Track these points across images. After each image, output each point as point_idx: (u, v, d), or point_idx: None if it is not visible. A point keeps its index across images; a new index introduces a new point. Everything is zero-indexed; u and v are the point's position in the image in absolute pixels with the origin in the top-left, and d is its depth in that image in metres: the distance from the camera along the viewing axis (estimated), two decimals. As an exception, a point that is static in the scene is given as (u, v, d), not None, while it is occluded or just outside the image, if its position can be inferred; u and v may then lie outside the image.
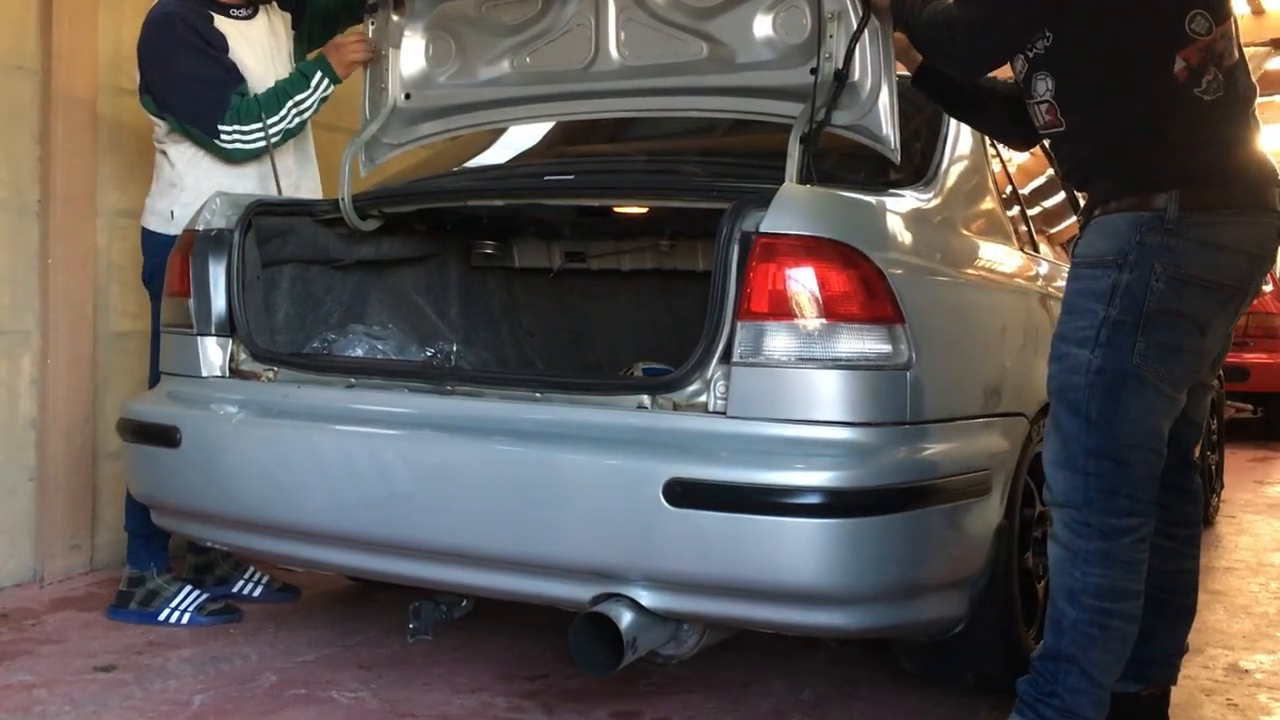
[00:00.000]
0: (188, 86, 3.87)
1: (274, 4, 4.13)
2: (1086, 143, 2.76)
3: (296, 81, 3.95)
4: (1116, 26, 2.66)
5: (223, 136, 3.85)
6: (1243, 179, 2.67)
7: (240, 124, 3.85)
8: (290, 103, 3.92)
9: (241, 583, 4.21)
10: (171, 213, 3.92)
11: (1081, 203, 2.96)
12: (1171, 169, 2.63)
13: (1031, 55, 2.78)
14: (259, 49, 4.02)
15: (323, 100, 3.98)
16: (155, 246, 3.96)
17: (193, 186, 3.90)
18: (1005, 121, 3.16)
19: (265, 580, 4.24)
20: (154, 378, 3.88)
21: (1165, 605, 2.93)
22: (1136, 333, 2.60)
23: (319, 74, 3.94)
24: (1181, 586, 3.01)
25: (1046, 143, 3.02)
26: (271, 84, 3.95)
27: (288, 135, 3.96)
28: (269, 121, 3.88)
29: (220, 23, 3.95)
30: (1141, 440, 2.64)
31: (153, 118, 3.98)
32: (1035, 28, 2.74)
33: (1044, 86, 2.77)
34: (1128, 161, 2.68)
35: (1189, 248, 2.60)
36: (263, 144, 3.89)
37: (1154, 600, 2.79)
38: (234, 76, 3.92)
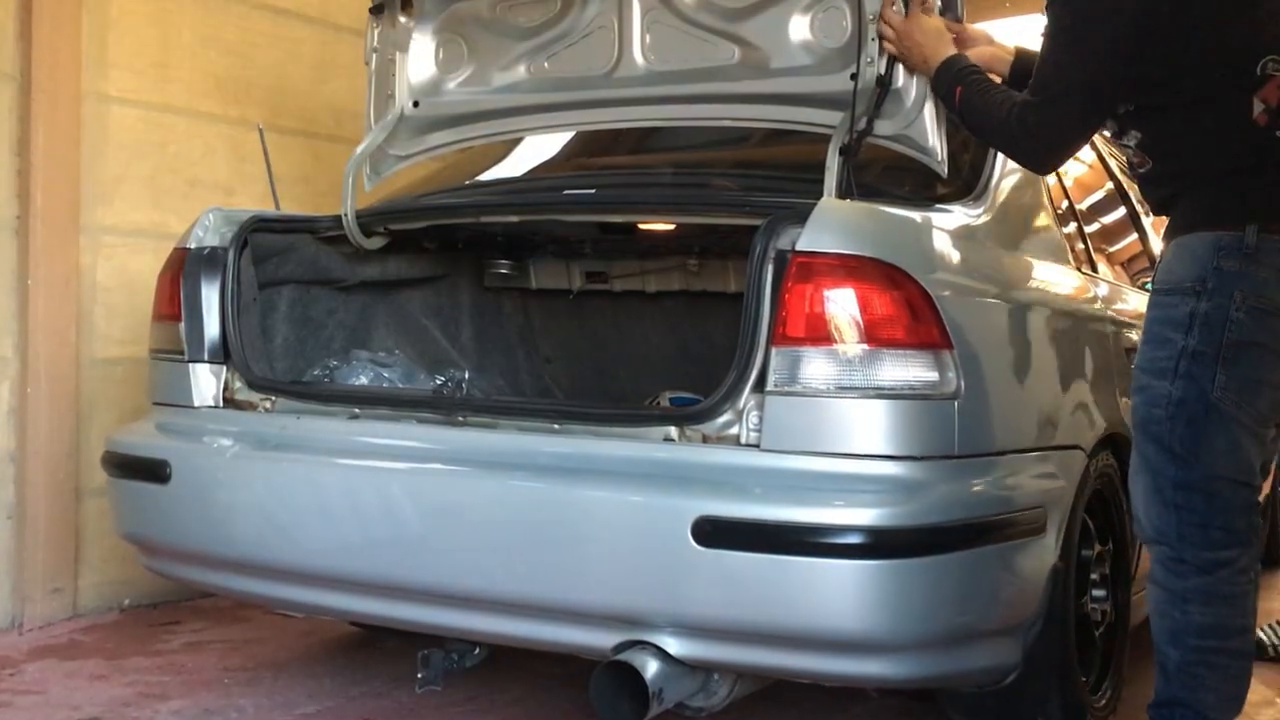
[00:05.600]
0: None
1: None
2: (1172, 181, 2.86)
3: None
4: (1193, 84, 2.75)
5: None
6: None
7: None
8: None
9: None
10: None
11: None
12: (1253, 202, 2.73)
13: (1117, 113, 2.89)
14: None
15: None
16: None
17: None
18: None
19: None
20: None
21: None
22: (1216, 364, 2.68)
23: None
24: None
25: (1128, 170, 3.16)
26: None
27: None
28: None
29: None
30: (1231, 473, 2.72)
31: None
32: (1114, 114, 2.86)
33: (1131, 139, 2.88)
34: (1210, 194, 2.78)
35: (1269, 275, 2.69)
36: None
37: None
38: None
